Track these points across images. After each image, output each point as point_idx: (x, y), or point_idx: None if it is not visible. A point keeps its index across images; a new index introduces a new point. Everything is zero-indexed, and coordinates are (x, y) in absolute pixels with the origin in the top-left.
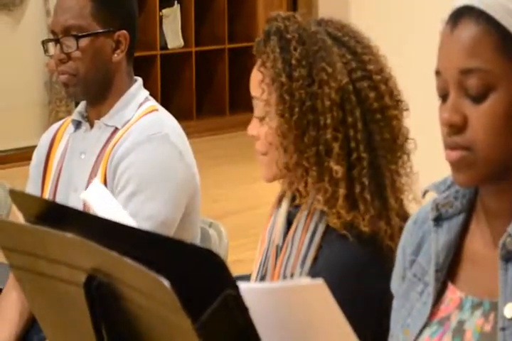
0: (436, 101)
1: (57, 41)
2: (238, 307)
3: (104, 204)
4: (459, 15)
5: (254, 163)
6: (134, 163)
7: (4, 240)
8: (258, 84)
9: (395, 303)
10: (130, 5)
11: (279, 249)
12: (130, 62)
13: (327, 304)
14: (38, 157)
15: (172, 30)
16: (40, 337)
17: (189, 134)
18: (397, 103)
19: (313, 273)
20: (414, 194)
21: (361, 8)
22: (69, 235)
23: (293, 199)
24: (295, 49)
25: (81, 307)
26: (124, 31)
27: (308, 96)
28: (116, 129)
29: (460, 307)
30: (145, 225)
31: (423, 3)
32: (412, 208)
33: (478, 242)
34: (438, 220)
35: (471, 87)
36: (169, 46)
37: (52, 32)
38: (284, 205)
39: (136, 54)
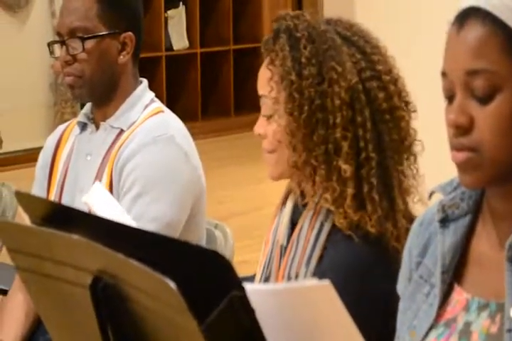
0: (443, 103)
1: (62, 43)
2: (244, 308)
3: (106, 207)
4: (465, 17)
5: (260, 164)
6: (140, 164)
7: (10, 242)
8: (267, 82)
9: (401, 305)
10: (136, 6)
11: (283, 249)
12: (136, 63)
13: (333, 305)
14: (43, 158)
15: (177, 31)
16: (46, 339)
17: (194, 135)
18: (405, 104)
19: (318, 273)
20: (420, 195)
21: (366, 9)
22: (75, 237)
23: (297, 199)
24: (305, 47)
25: (87, 309)
26: (130, 33)
27: (318, 95)
28: (121, 131)
29: (466, 308)
30: (150, 227)
31: (429, 4)
32: (418, 210)
33: (484, 244)
34: (444, 222)
35: (477, 88)
36: (174, 47)
37: (58, 33)
38: (289, 205)
39: (141, 55)
